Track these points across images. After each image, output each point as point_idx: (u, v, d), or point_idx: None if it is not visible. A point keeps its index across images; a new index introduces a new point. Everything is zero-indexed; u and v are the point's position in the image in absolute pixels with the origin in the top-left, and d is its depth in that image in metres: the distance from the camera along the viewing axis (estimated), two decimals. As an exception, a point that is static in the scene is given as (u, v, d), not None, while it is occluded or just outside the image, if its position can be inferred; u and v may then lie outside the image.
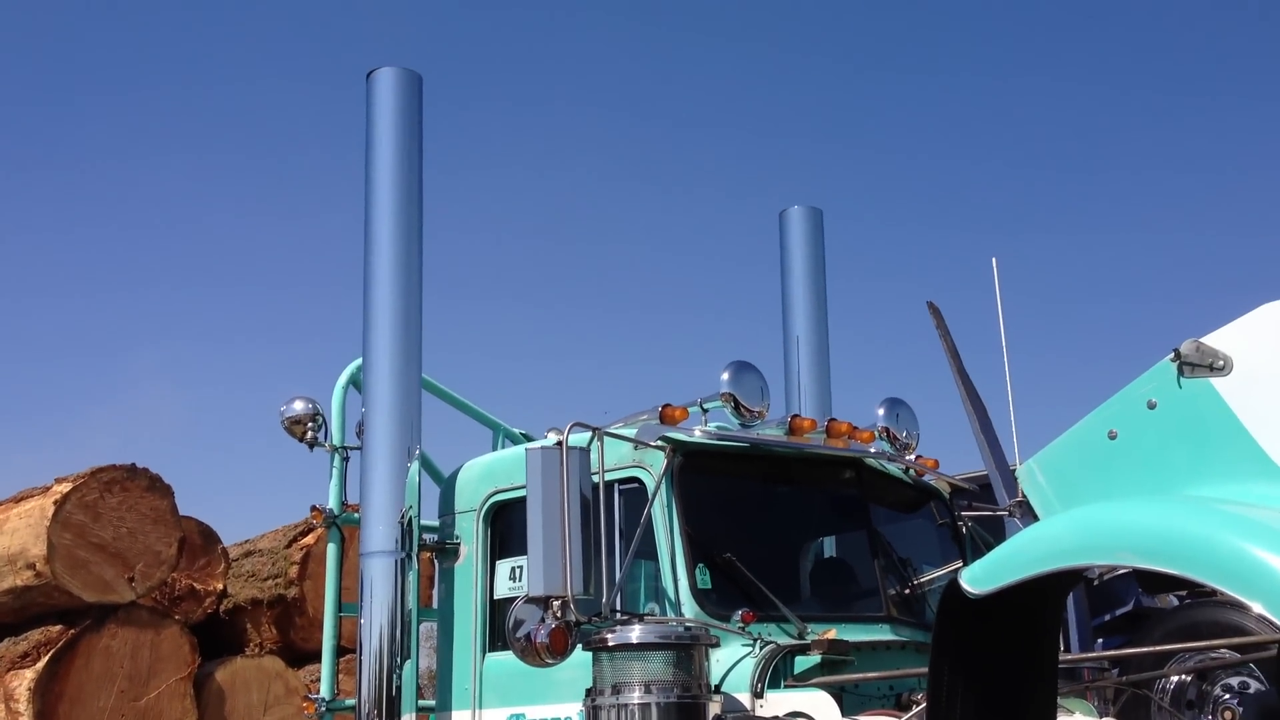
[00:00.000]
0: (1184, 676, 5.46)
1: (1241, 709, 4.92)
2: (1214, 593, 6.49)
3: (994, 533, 5.72)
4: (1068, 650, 5.81)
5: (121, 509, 8.17)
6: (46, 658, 7.76)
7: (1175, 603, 6.77)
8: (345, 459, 6.65)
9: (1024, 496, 5.50)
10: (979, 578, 3.99)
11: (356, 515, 6.34)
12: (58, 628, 8.01)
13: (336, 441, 6.64)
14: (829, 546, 6.37)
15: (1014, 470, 5.75)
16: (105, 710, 7.86)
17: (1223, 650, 5.17)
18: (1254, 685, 5.19)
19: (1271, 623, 4.48)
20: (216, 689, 8.40)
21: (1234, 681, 5.41)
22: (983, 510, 6.19)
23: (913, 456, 6.03)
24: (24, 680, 7.76)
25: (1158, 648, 5.40)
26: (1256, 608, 3.55)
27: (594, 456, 5.21)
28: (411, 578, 6.16)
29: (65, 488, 8.11)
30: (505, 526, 6.00)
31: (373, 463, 6.26)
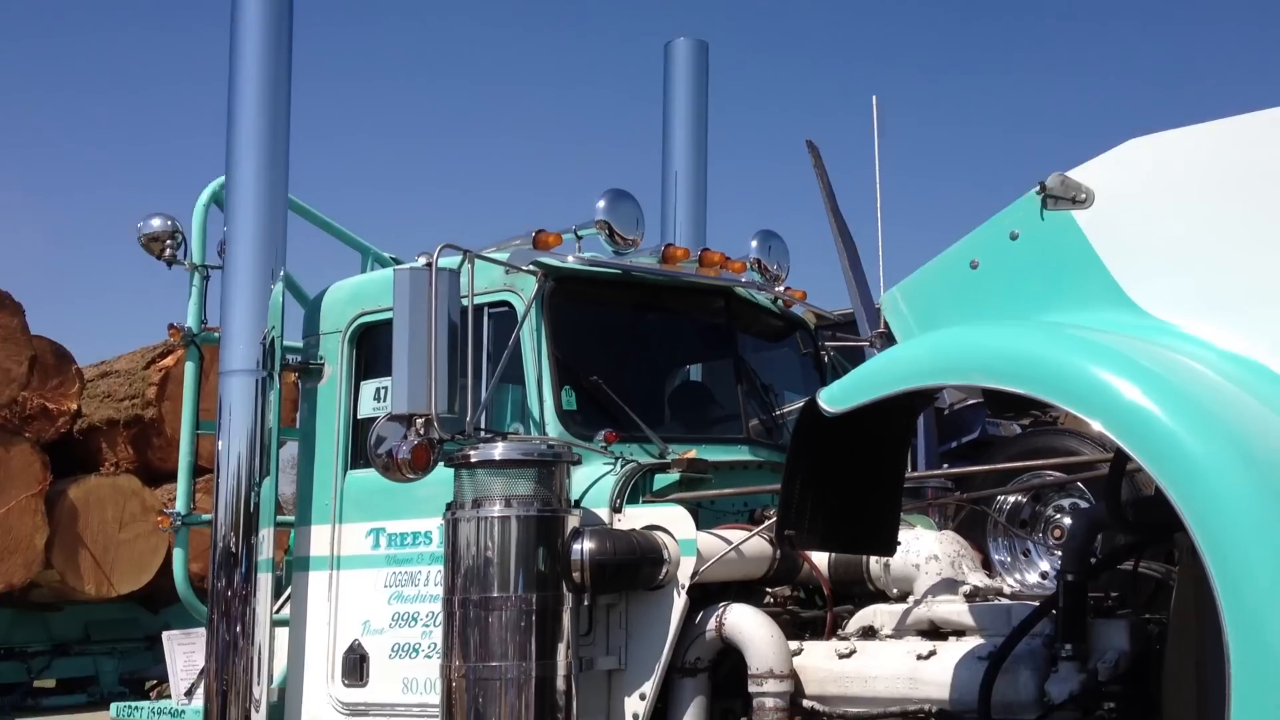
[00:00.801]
0: (1019, 497, 5.69)
1: (1070, 524, 5.15)
2: (1055, 420, 6.78)
3: (856, 364, 5.85)
4: (914, 470, 6.02)
5: (-31, 325, 7.89)
6: (-111, 470, 7.52)
7: (1019, 431, 7.07)
8: (205, 278, 6.48)
9: (885, 328, 5.64)
10: (836, 397, 4.10)
11: (216, 335, 6.20)
12: (-99, 443, 7.76)
13: (197, 260, 6.47)
14: (695, 373, 6.46)
15: (878, 306, 5.88)
16: (-49, 524, 7.67)
17: (1059, 474, 5.40)
18: (1084, 506, 5.44)
19: (1107, 445, 4.70)
20: (70, 506, 8.25)
21: (1065, 502, 5.66)
22: (846, 341, 6.32)
23: (782, 288, 6.10)
24: None
25: (996, 466, 5.63)
26: (1096, 425, 3.71)
27: (464, 280, 5.15)
28: (273, 397, 6.07)
29: (-91, 299, 7.80)
30: (371, 348, 5.95)
31: (234, 282, 6.11)
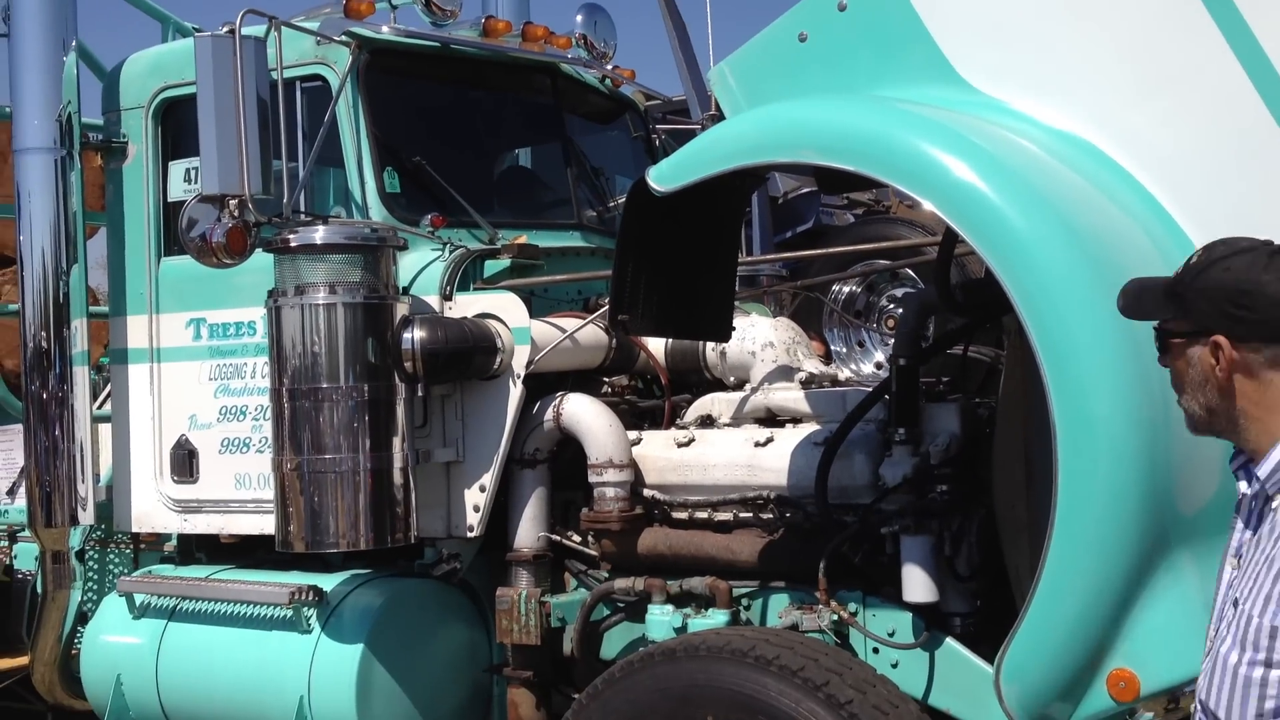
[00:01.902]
0: (854, 286, 5.75)
1: (901, 310, 5.24)
2: (888, 209, 6.84)
3: (686, 149, 5.76)
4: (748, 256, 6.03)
5: None
6: None
7: (852, 220, 7.12)
8: (-10, 47, 6.01)
9: (717, 110, 5.53)
10: (665, 175, 4.03)
11: (8, 110, 5.80)
12: None
13: (-22, 25, 5.98)
14: (523, 156, 6.29)
15: (710, 93, 5.75)
16: None
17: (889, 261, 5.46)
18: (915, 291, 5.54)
19: (938, 229, 4.74)
20: None
21: (898, 292, 5.75)
22: (677, 124, 6.18)
23: (610, 66, 5.91)
24: None
25: (829, 250, 5.66)
26: (928, 205, 3.72)
27: (271, 51, 4.85)
28: (74, 178, 5.74)
29: None
30: (178, 125, 5.63)
31: (21, 51, 5.67)
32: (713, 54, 4.70)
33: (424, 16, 5.36)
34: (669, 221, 4.18)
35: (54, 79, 5.67)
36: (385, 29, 5.30)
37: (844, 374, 5.14)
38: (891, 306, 5.64)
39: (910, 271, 5.50)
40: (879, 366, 5.66)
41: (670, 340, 5.02)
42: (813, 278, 5.68)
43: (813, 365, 4.85)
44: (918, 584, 3.98)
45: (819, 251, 5.68)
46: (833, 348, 5.66)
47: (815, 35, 4.13)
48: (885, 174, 3.79)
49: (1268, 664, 2.16)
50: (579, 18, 5.80)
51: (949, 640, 4.07)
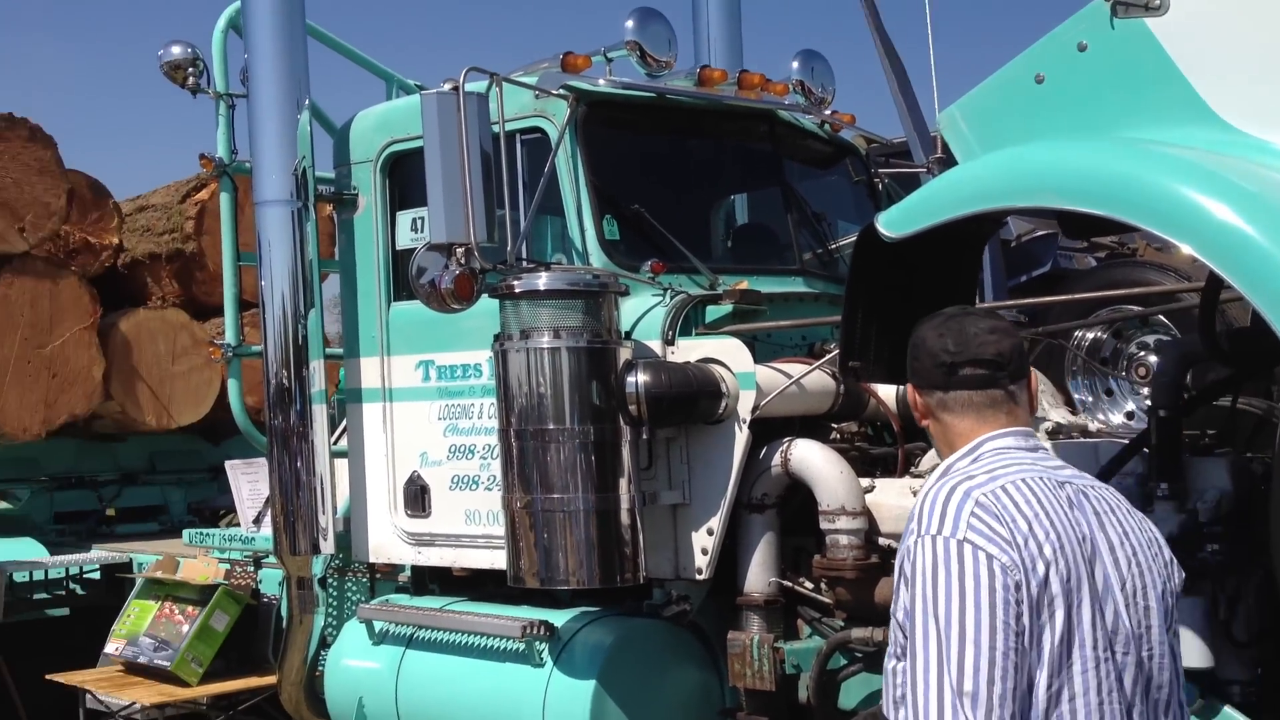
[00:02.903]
0: (1099, 332, 5.19)
1: (1158, 358, 4.67)
2: (1133, 251, 6.23)
3: (911, 191, 5.28)
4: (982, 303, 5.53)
5: (4, 159, 7.35)
6: (-58, 304, 7.12)
7: (1093, 264, 6.46)
8: (231, 106, 5.90)
9: (943, 153, 5.06)
10: (896, 221, 3.58)
11: (248, 165, 5.69)
12: (-50, 277, 7.33)
13: (220, 88, 5.89)
14: (740, 202, 5.87)
15: (934, 135, 5.27)
16: (10, 357, 7.31)
17: (1140, 306, 4.90)
18: (1171, 339, 4.97)
19: (1194, 275, 4.24)
20: (122, 339, 7.85)
21: (1148, 338, 5.18)
22: (900, 167, 5.69)
23: (829, 111, 5.49)
24: (-79, 326, 7.16)
25: (1073, 296, 5.09)
26: (1186, 249, 3.22)
27: (493, 106, 4.60)
28: (309, 228, 5.59)
29: (-60, 135, 7.25)
30: (404, 178, 5.42)
31: (260, 111, 5.55)
32: (937, 98, 4.27)
33: (639, 68, 5.05)
34: (899, 267, 3.77)
35: (289, 136, 5.53)
36: (601, 81, 4.99)
37: (1093, 425, 4.63)
38: (1141, 353, 5.06)
39: (1163, 318, 4.93)
40: (1130, 417, 5.08)
41: (902, 386, 4.59)
42: (1052, 324, 5.12)
43: (1060, 415, 4.33)
44: (1191, 649, 3.46)
45: (1066, 297, 5.02)
46: (1076, 396, 5.10)
47: (1053, 76, 3.66)
48: (1137, 217, 3.29)
49: (896, 656, 2.17)
50: (795, 64, 5.39)
51: (1227, 709, 3.53)
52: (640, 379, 4.37)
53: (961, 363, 2.33)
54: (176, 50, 5.85)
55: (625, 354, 4.47)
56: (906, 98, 5.31)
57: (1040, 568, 2.09)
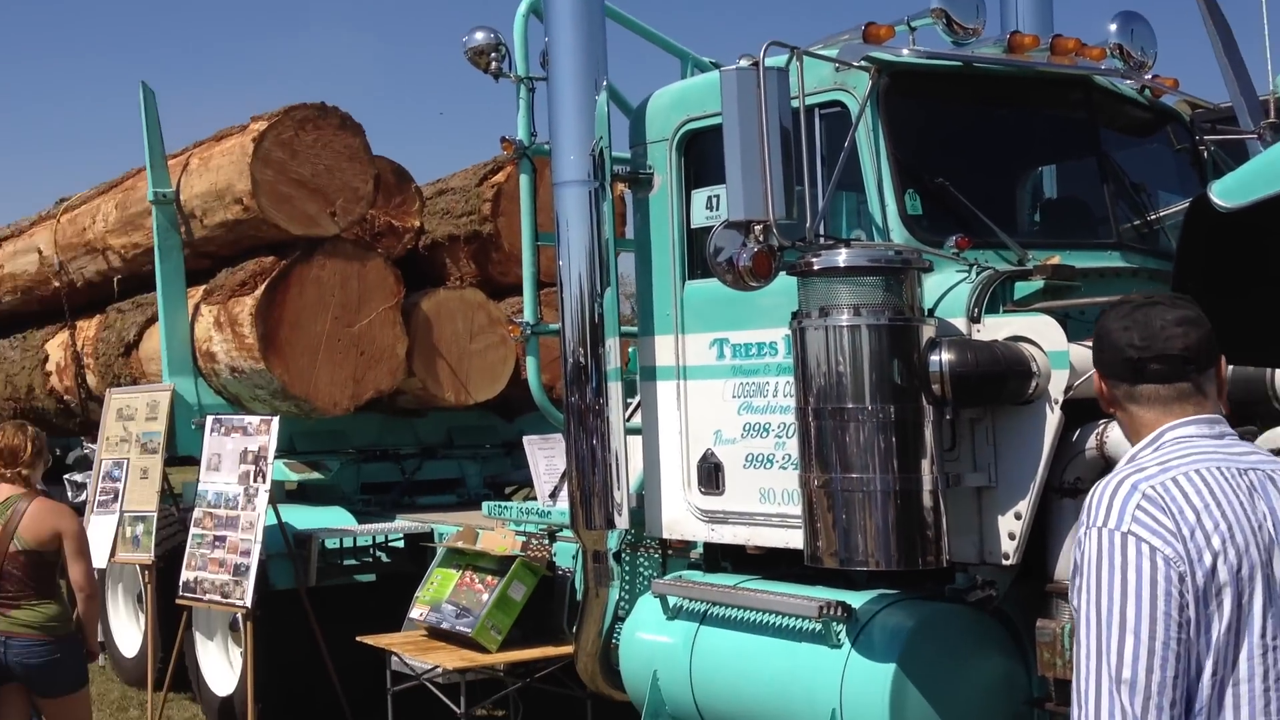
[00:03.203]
0: None
1: None
2: None
3: (1239, 161, 5.02)
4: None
5: (317, 146, 7.95)
6: (264, 285, 7.76)
7: None
8: (531, 90, 6.19)
9: (1276, 118, 4.81)
10: (1232, 190, 3.46)
11: (547, 147, 5.95)
12: (270, 259, 7.98)
13: (521, 72, 6.18)
14: (1050, 174, 5.74)
15: (1264, 99, 4.99)
16: (322, 335, 7.90)
17: None
18: None
19: None
20: (424, 318, 8.36)
21: None
22: (1228, 134, 5.43)
23: (1149, 76, 5.29)
24: (245, 306, 7.83)
25: None
26: None
27: (793, 80, 4.65)
28: (606, 208, 5.80)
29: (262, 125, 7.90)
30: (699, 156, 5.56)
31: (559, 93, 5.79)
32: (1270, 58, 4.04)
33: (944, 36, 5.00)
34: (1232, 237, 3.63)
35: (587, 117, 5.73)
36: (905, 51, 4.97)
37: None
38: None
39: None
40: None
41: (1233, 367, 4.40)
42: None
43: None
44: None
45: None
46: None
47: None
48: None
49: None
50: (1113, 26, 5.21)
51: None
52: (945, 357, 4.35)
53: (1149, 358, 2.35)
54: (480, 36, 6.18)
55: (928, 332, 4.45)
56: (1232, 59, 5.04)
57: (1208, 558, 2.14)
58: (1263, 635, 2.15)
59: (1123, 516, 2.19)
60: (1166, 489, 2.21)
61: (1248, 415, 4.40)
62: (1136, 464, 2.31)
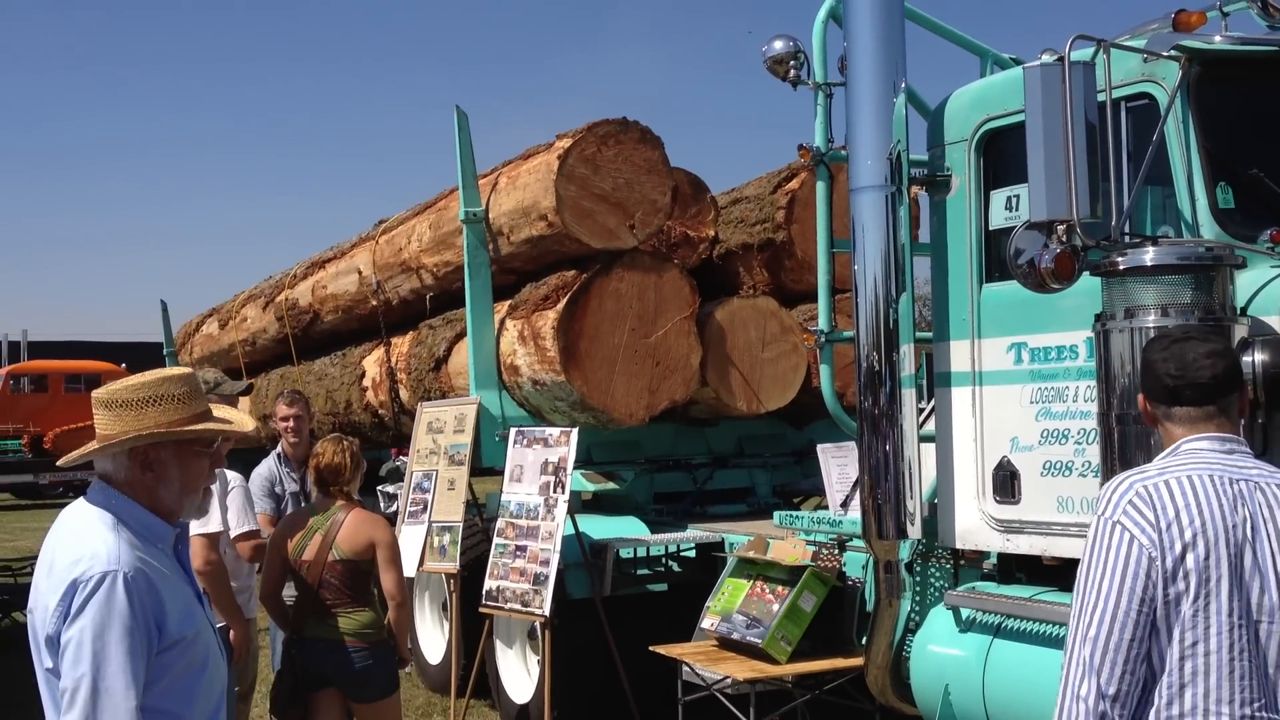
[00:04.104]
0: None
1: None
2: None
3: None
4: None
5: (617, 161, 8.45)
6: (565, 299, 8.31)
7: None
8: (829, 96, 6.47)
9: None
10: None
11: (844, 152, 6.21)
12: (571, 273, 8.54)
13: (819, 78, 6.47)
14: None
15: None
16: (620, 346, 8.39)
17: None
18: None
19: None
20: (717, 327, 8.75)
21: None
22: None
23: None
24: (548, 320, 8.39)
25: None
26: None
27: (1099, 73, 4.75)
28: (902, 212, 6.00)
29: (566, 143, 8.47)
30: (999, 155, 5.70)
31: (856, 97, 6.04)
32: None
33: (1259, 20, 5.00)
34: None
35: (885, 121, 5.95)
36: (1217, 39, 4.99)
37: None
38: None
39: None
40: None
41: None
42: None
43: None
44: None
45: None
46: None
47: None
48: None
49: None
50: None
51: None
52: (1258, 358, 4.37)
53: (1183, 386, 2.95)
54: (779, 45, 6.51)
55: (1240, 332, 4.46)
56: None
57: (1178, 547, 2.76)
58: (1230, 615, 2.74)
59: (1117, 508, 2.83)
60: (1157, 489, 2.83)
61: None
62: (1146, 468, 2.92)
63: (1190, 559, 2.76)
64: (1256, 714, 2.72)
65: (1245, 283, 4.64)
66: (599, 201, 8.42)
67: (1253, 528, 2.80)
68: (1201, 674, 2.74)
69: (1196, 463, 2.89)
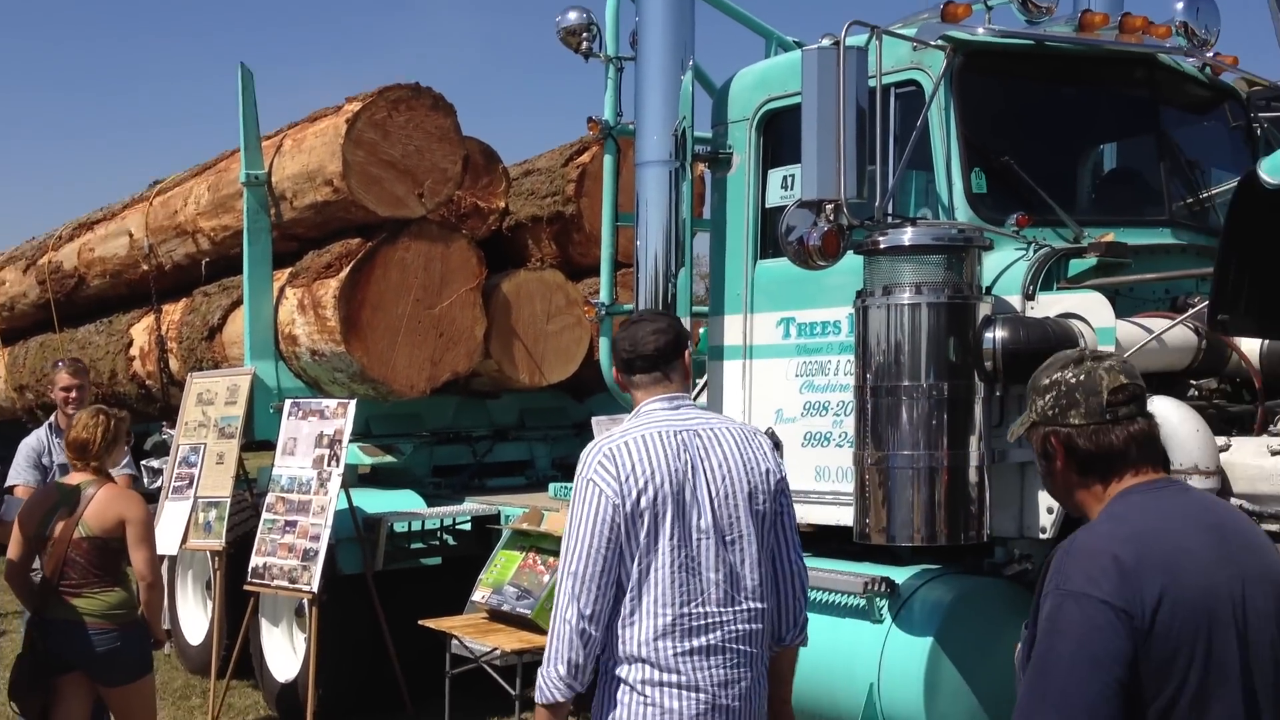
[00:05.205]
0: None
1: None
2: None
3: (1292, 138, 5.48)
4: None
5: (408, 127, 8.61)
6: (348, 268, 8.42)
7: None
8: (619, 70, 6.81)
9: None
10: (1280, 167, 3.89)
11: (632, 127, 6.54)
12: (356, 241, 8.66)
13: (611, 52, 6.79)
14: (1112, 150, 6.25)
15: None
16: (403, 317, 8.56)
17: None
18: None
19: None
20: (503, 299, 9.00)
21: None
22: None
23: (1211, 54, 5.75)
24: (329, 289, 8.48)
25: None
26: None
27: (872, 60, 5.17)
28: (685, 188, 6.38)
29: (355, 107, 8.58)
30: (777, 135, 6.12)
31: (646, 73, 6.41)
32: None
33: (1019, 15, 5.51)
34: (1277, 216, 4.04)
35: (672, 97, 6.33)
36: (980, 30, 5.49)
37: None
38: None
39: None
40: None
41: (1266, 341, 4.82)
42: None
43: None
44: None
45: None
46: None
47: None
48: None
49: None
50: (1179, 4, 5.72)
51: None
52: (998, 334, 4.84)
53: (634, 358, 3.70)
54: (573, 16, 6.83)
55: (985, 309, 4.94)
56: (1292, 37, 5.45)
57: (634, 493, 3.46)
58: (672, 538, 3.47)
59: (590, 468, 3.51)
60: (619, 448, 3.53)
61: (1276, 392, 4.81)
62: (613, 432, 3.63)
63: (644, 500, 3.47)
64: (692, 610, 3.48)
65: (992, 264, 5.13)
66: (387, 168, 8.56)
67: (692, 468, 3.55)
68: (652, 585, 3.47)
69: (651, 421, 3.62)
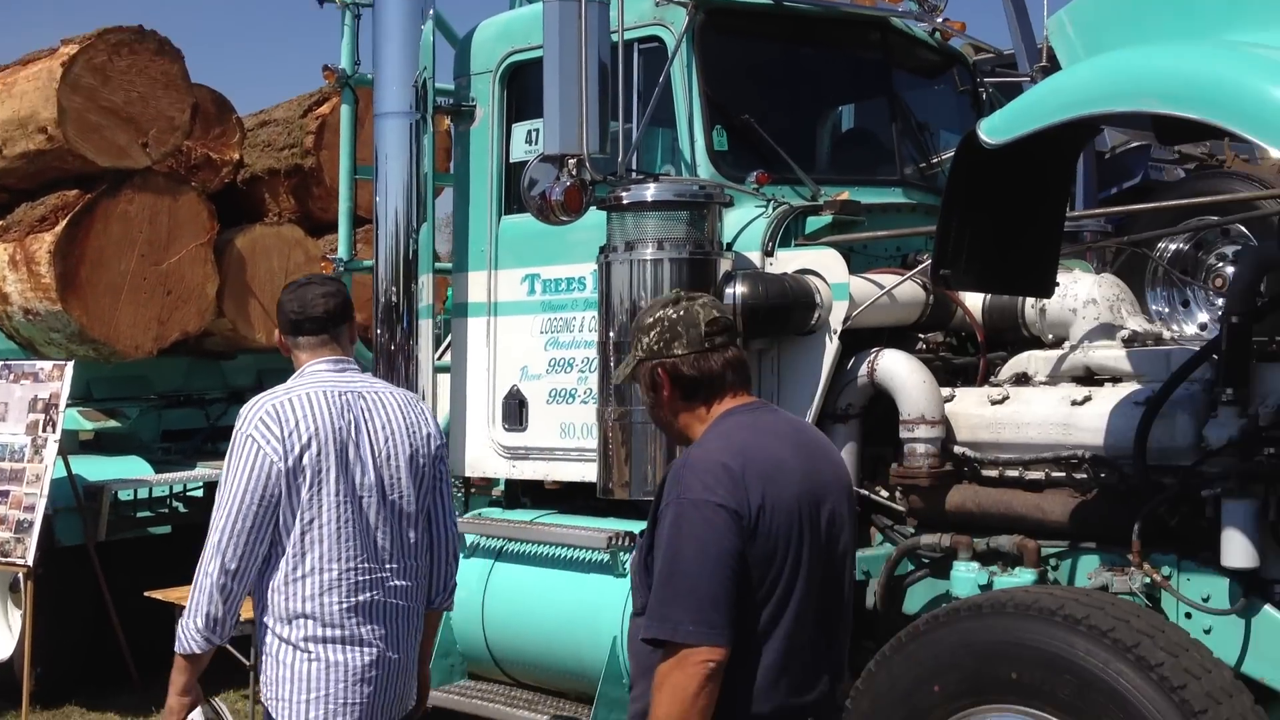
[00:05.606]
0: (1181, 244, 5.66)
1: (1236, 266, 5.11)
2: (1222, 164, 6.64)
3: (1014, 102, 5.84)
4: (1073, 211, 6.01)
5: (131, 72, 8.29)
6: (65, 221, 8.08)
7: (1182, 175, 7.00)
8: (357, 16, 6.68)
9: (1048, 61, 5.55)
10: (998, 127, 4.13)
11: (370, 76, 6.43)
12: (74, 192, 8.31)
13: (345, -3, 6.64)
14: (848, 111, 6.51)
15: (1041, 45, 5.77)
16: (127, 274, 8.26)
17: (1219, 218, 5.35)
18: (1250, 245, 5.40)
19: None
20: (237, 255, 8.77)
21: (1228, 249, 5.62)
22: (1006, 77, 6.24)
23: (940, 19, 6.04)
24: (44, 243, 8.13)
25: (1157, 204, 5.58)
26: (1275, 153, 3.69)
27: (614, 14, 5.23)
28: (426, 141, 6.30)
29: (72, 49, 8.22)
30: (522, 89, 6.13)
31: (384, 20, 6.27)
32: (1046, 6, 4.80)
33: (766, -27, 5.64)
34: (996, 175, 4.28)
35: (412, 47, 6.23)
36: (722, -12, 5.61)
37: (1167, 334, 5.10)
38: (1220, 265, 5.54)
39: (1243, 228, 5.38)
40: (1203, 328, 5.56)
41: (988, 297, 5.13)
42: (1138, 234, 5.63)
43: (1136, 323, 4.87)
44: (1238, 549, 3.96)
45: (1149, 205, 5.62)
46: (1153, 307, 5.65)
47: (1161, -20, 4.13)
48: (1233, 122, 3.73)
49: None
50: (911, -32, 5.97)
51: (1268, 608, 4.02)
52: (738, 290, 4.99)
53: (303, 320, 3.81)
54: (305, -41, 6.66)
55: (725, 265, 5.09)
56: (1016, 4, 5.81)
57: (297, 450, 3.57)
58: (337, 494, 3.59)
59: (249, 423, 3.60)
60: (282, 405, 3.63)
61: (999, 342, 5.14)
62: (277, 389, 3.73)
63: (306, 457, 3.57)
64: (359, 566, 3.61)
65: (733, 220, 5.29)
66: (108, 115, 8.23)
67: (356, 428, 3.68)
68: (317, 542, 3.57)
69: (316, 381, 3.74)
